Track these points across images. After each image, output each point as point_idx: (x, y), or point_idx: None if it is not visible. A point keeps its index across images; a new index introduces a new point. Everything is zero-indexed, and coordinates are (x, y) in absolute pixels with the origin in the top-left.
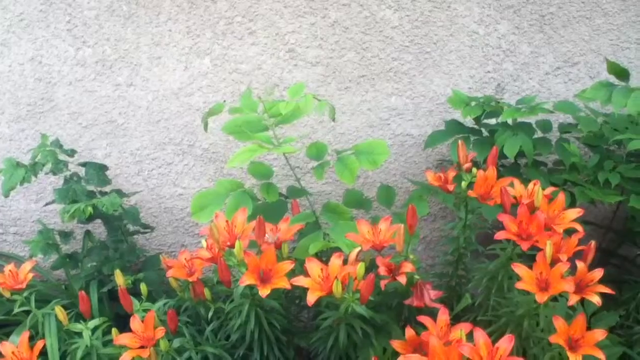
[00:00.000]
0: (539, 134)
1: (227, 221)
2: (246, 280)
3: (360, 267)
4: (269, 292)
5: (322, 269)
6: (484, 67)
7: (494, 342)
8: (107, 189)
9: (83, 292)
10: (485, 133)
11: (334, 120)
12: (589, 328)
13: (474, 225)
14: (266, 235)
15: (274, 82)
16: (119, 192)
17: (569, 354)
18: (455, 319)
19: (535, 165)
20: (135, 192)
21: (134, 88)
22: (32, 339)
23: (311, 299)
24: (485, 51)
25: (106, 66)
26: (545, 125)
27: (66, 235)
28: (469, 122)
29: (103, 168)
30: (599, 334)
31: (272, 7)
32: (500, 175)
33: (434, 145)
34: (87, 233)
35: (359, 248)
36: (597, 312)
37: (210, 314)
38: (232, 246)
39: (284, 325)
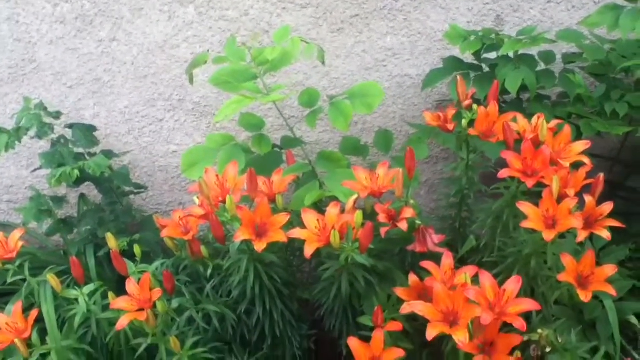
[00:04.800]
0: (541, 66)
1: (217, 176)
2: (241, 235)
3: (358, 215)
4: (265, 246)
5: (318, 220)
6: None
7: (500, 283)
8: (96, 150)
9: (74, 257)
10: (486, 68)
11: (323, 63)
12: (598, 263)
13: (476, 165)
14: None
15: (263, 28)
16: (109, 153)
17: (578, 291)
18: (461, 262)
19: (538, 99)
20: (127, 151)
21: (117, 43)
22: (30, 307)
23: (308, 251)
24: None
25: (86, 22)
26: (548, 57)
27: (59, 200)
28: (468, 58)
29: (91, 129)
30: (609, 269)
31: None
32: (502, 112)
33: (433, 84)
34: (82, 196)
35: (356, 195)
36: (605, 247)
37: (209, 272)
38: (225, 201)
39: (285, 279)
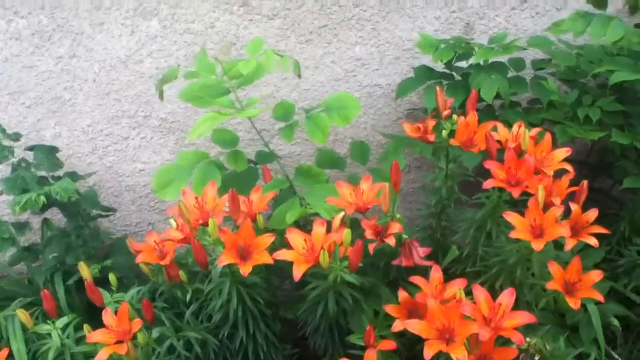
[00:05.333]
0: (512, 72)
1: (196, 197)
2: (225, 259)
3: (347, 234)
4: (250, 269)
5: (305, 240)
6: (448, 7)
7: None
8: (60, 172)
9: (45, 290)
10: (457, 77)
11: (299, 76)
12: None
13: (455, 174)
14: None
15: (230, 41)
16: (73, 175)
17: (567, 298)
18: (444, 272)
19: (511, 106)
20: (92, 172)
21: (77, 60)
22: None
23: (297, 273)
24: None
25: (44, 38)
26: (519, 64)
27: (21, 227)
28: (439, 66)
29: (53, 150)
30: (595, 275)
31: None
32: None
33: (405, 94)
34: (45, 221)
35: (343, 213)
36: (582, 250)
37: (188, 297)
38: (205, 224)
39: (268, 299)
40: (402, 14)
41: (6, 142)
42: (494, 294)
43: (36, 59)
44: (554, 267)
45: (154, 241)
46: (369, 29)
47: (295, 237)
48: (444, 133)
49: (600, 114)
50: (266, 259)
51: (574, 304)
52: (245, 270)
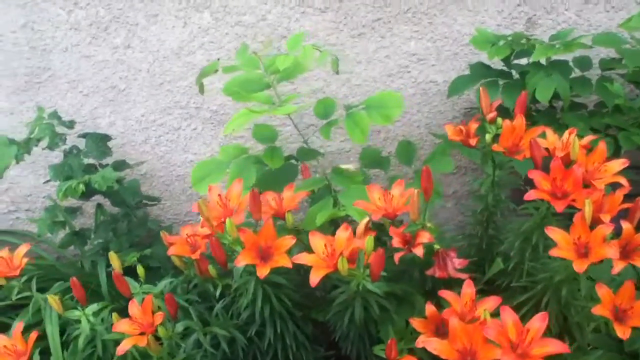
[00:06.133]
0: (577, 72)
1: (219, 195)
2: (242, 260)
3: (369, 241)
4: (267, 272)
5: (325, 244)
6: (513, 0)
7: (530, 310)
8: (108, 160)
9: (74, 278)
10: (516, 75)
11: (337, 72)
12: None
13: (503, 181)
14: None
15: (281, 34)
16: (121, 164)
17: (615, 326)
18: (488, 284)
19: (573, 109)
20: (142, 161)
21: (132, 50)
22: (40, 323)
23: (314, 278)
24: None
25: (101, 28)
26: (584, 63)
27: (73, 211)
28: (497, 64)
29: (105, 138)
30: None
31: None
32: (534, 122)
33: (458, 92)
34: (99, 206)
35: (368, 218)
36: None
37: (218, 292)
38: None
39: (297, 300)
40: (461, 7)
41: (60, 129)
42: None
43: (93, 49)
44: (602, 291)
45: (186, 234)
46: (425, 22)
47: (316, 240)
48: (488, 137)
49: None
50: (285, 261)
51: (622, 332)
52: (262, 272)
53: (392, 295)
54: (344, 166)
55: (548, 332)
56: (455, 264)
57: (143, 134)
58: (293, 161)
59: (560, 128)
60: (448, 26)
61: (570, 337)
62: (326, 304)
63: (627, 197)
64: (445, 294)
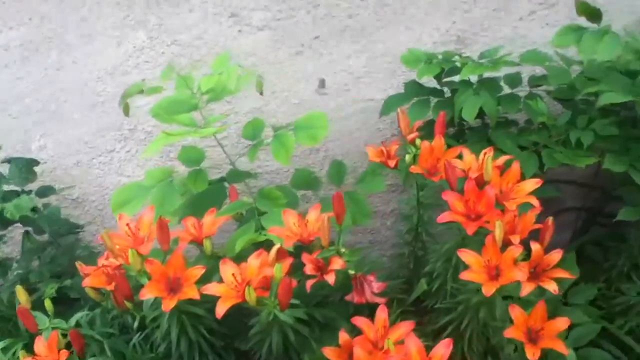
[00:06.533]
0: (507, 89)
1: (127, 224)
2: (147, 292)
3: (277, 269)
4: (174, 305)
5: (233, 274)
6: (450, 17)
7: (452, 332)
8: (35, 185)
9: None
10: (448, 93)
11: (261, 93)
12: (566, 304)
13: (428, 201)
14: None
15: (218, 52)
16: (47, 189)
17: (526, 348)
18: (417, 305)
19: (504, 126)
20: (71, 186)
21: (65, 71)
22: None
23: (220, 310)
24: None
25: (32, 49)
26: (514, 80)
27: None
28: (432, 82)
29: (30, 164)
30: (562, 323)
31: None
32: (465, 140)
33: (391, 110)
34: (26, 234)
35: (278, 245)
36: (573, 285)
37: (136, 324)
38: (138, 251)
39: (218, 330)
40: (398, 26)
41: None
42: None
43: (24, 70)
44: (515, 312)
45: (102, 264)
46: (363, 41)
47: (226, 269)
48: (407, 158)
49: (595, 138)
50: (193, 293)
51: (532, 354)
52: (168, 305)
53: (316, 321)
54: (244, 198)
55: (471, 353)
56: (373, 288)
57: (75, 156)
58: (223, 184)
59: (489, 145)
60: (386, 44)
61: (494, 358)
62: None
63: (562, 212)
64: (357, 320)
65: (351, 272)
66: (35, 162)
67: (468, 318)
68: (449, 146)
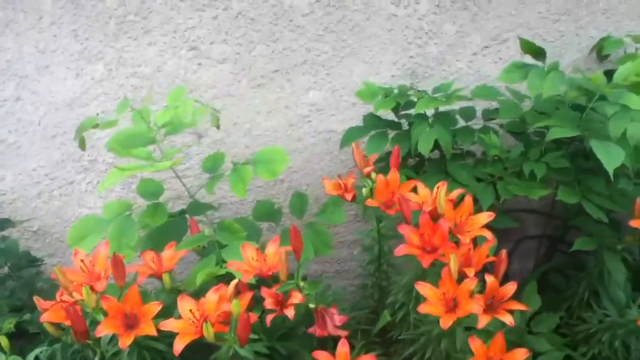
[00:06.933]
0: (462, 122)
1: (82, 260)
2: (103, 329)
3: (235, 305)
4: (130, 341)
5: (190, 309)
6: (406, 52)
7: None
8: None
9: None
10: (405, 126)
11: (218, 127)
12: (529, 332)
13: (388, 233)
14: None
15: (178, 85)
16: (5, 222)
17: None
18: (382, 335)
19: (460, 158)
20: (29, 219)
21: (22, 102)
22: None
23: (178, 347)
24: (406, 34)
25: None
26: (468, 113)
27: None
28: (390, 114)
29: None
30: (521, 354)
31: (167, 1)
32: (424, 171)
33: (349, 143)
34: None
35: (236, 280)
36: (537, 313)
37: (97, 359)
38: (93, 287)
39: None
40: (357, 59)
41: None
42: None
43: None
44: (475, 344)
45: (60, 299)
46: (323, 74)
47: (184, 305)
48: (364, 192)
49: (547, 170)
50: (151, 330)
51: None
52: (125, 342)
53: (279, 354)
54: (206, 230)
55: None
56: (335, 321)
57: (35, 188)
58: (185, 216)
59: (447, 178)
60: (345, 77)
61: None
62: None
63: (524, 240)
64: (319, 355)
65: (311, 305)
66: None
67: (431, 349)
68: (407, 177)
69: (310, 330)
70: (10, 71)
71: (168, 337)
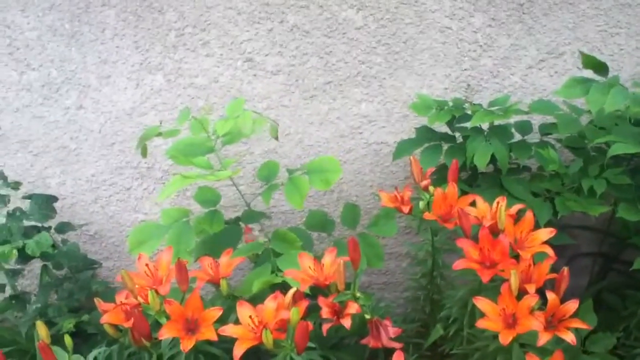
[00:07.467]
0: (518, 137)
1: (146, 264)
2: (166, 332)
3: (294, 312)
4: (191, 345)
5: (250, 316)
6: (460, 65)
7: None
8: (53, 222)
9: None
10: (459, 139)
11: (276, 138)
12: (585, 352)
13: (443, 246)
14: None
15: (233, 96)
16: (66, 226)
17: None
18: (433, 349)
19: (515, 172)
20: (87, 223)
21: (84, 111)
22: None
23: (237, 352)
24: (460, 47)
25: (53, 89)
26: (524, 127)
27: (14, 274)
28: (442, 127)
29: (49, 200)
30: None
31: (225, 14)
32: (477, 185)
33: (404, 155)
34: (44, 268)
35: (295, 289)
36: (592, 333)
37: None
38: (157, 291)
39: None
40: (410, 72)
41: (4, 191)
42: None
43: (45, 110)
44: None
45: (121, 302)
46: (375, 86)
47: (243, 311)
48: (421, 205)
49: (607, 186)
50: (211, 334)
51: None
52: (186, 345)
53: None
54: (259, 238)
55: None
56: (389, 332)
57: (93, 193)
58: (240, 224)
59: (503, 193)
60: (397, 89)
61: None
62: None
63: (578, 257)
64: None
65: (367, 316)
66: (55, 199)
67: None
68: (462, 191)
69: (364, 341)
70: (74, 80)
71: (223, 343)
